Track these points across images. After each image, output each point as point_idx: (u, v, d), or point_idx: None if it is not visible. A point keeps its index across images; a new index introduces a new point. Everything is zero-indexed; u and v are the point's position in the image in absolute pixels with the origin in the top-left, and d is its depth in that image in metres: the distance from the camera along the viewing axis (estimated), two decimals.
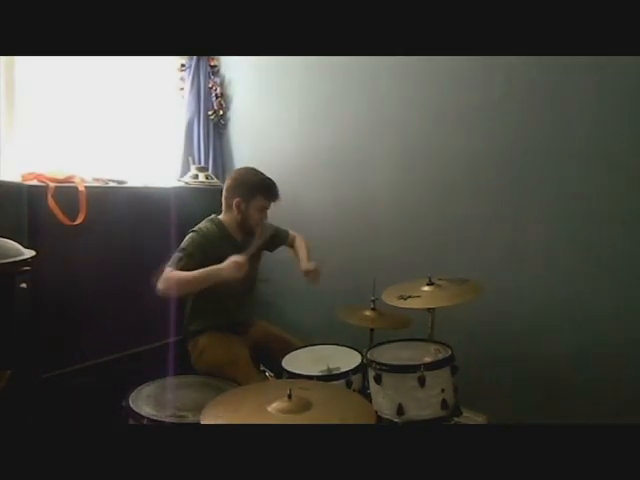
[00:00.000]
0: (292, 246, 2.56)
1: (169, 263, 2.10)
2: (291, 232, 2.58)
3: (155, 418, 1.66)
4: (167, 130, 3.33)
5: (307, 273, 2.36)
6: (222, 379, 2.01)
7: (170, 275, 2.01)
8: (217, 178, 3.26)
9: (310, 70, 3.02)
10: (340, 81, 2.90)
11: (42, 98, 2.66)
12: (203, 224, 2.26)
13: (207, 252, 2.12)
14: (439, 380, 1.78)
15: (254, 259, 2.40)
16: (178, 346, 2.48)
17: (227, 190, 2.28)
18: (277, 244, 2.53)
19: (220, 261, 2.06)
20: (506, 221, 2.38)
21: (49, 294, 2.20)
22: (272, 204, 2.29)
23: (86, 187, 2.32)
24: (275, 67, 3.20)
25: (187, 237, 2.20)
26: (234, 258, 2.01)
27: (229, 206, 2.26)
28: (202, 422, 1.36)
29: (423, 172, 2.63)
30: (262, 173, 2.28)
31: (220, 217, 2.30)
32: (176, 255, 2.13)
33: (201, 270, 2.01)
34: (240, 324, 2.34)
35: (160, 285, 2.00)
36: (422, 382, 1.74)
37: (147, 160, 3.18)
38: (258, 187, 2.22)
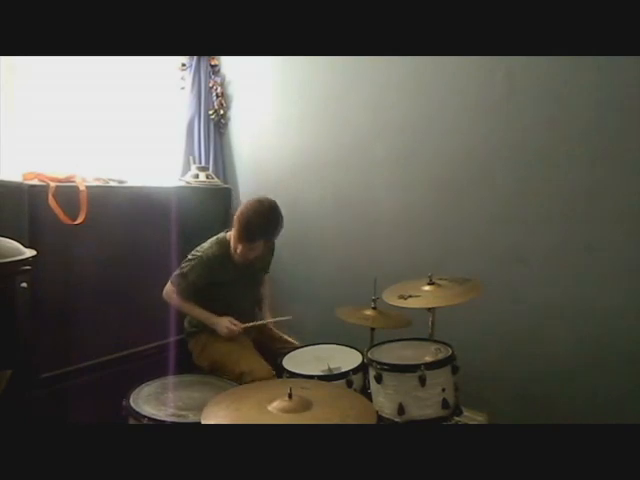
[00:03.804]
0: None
1: (172, 279, 2.28)
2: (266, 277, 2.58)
3: (155, 417, 1.66)
4: (168, 129, 3.33)
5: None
6: (222, 378, 2.02)
7: (173, 297, 2.28)
8: (217, 177, 3.26)
9: (310, 69, 3.01)
10: (341, 80, 2.90)
11: (43, 97, 2.66)
12: (209, 248, 2.26)
13: (210, 276, 2.23)
14: (440, 379, 1.78)
15: (256, 274, 2.42)
16: (178, 346, 2.48)
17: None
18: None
19: (223, 280, 2.24)
20: (506, 220, 2.38)
21: (49, 294, 2.20)
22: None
23: (87, 186, 2.31)
24: (275, 67, 3.19)
25: (191, 260, 2.24)
26: (231, 325, 2.20)
27: None
28: (203, 421, 1.36)
29: (423, 171, 2.62)
30: (261, 214, 2.12)
31: (228, 234, 2.30)
32: (178, 276, 2.25)
33: (199, 312, 2.27)
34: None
35: (164, 295, 2.31)
36: (423, 381, 1.74)
37: (148, 159, 3.18)
38: (237, 220, 2.14)
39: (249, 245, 2.16)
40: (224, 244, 2.27)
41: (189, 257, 2.26)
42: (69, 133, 2.75)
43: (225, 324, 2.20)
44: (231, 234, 2.24)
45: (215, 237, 2.32)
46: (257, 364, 2.12)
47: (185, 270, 2.23)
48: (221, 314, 2.25)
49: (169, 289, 2.29)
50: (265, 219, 2.14)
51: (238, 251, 2.19)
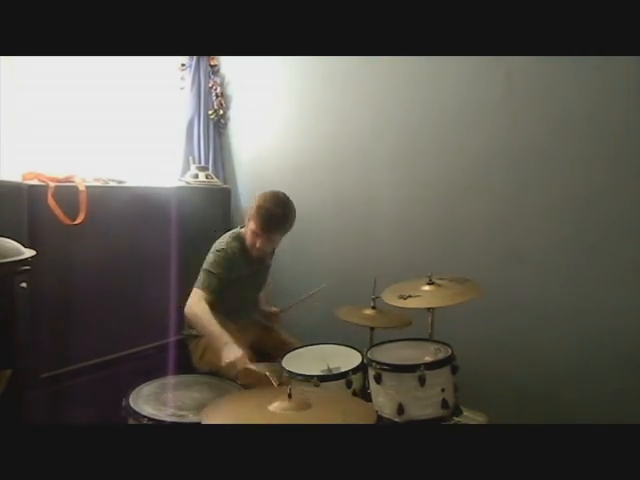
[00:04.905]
0: None
1: (199, 284, 2.15)
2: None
3: (155, 417, 1.66)
4: (167, 129, 3.33)
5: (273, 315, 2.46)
6: (222, 379, 2.01)
7: (200, 304, 2.05)
8: (217, 178, 3.26)
9: (310, 69, 3.01)
10: (340, 80, 2.90)
11: (43, 97, 2.66)
12: (229, 243, 2.26)
13: (230, 271, 2.20)
14: (439, 380, 1.78)
15: (263, 270, 2.42)
16: (178, 346, 2.48)
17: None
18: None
19: (238, 277, 2.21)
20: (507, 220, 2.38)
21: (49, 294, 2.20)
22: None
23: (86, 187, 2.31)
24: (275, 67, 3.19)
25: (215, 256, 2.21)
26: (238, 357, 1.88)
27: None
28: (203, 422, 1.36)
29: (423, 171, 2.62)
30: (279, 204, 2.18)
31: (244, 230, 2.31)
32: (206, 276, 2.17)
33: (214, 329, 1.98)
34: (242, 325, 2.34)
35: (187, 311, 2.08)
36: (422, 381, 1.74)
37: (147, 160, 3.18)
38: (257, 212, 2.18)
39: (271, 236, 2.19)
40: (241, 240, 2.28)
41: (211, 255, 2.22)
42: (69, 133, 2.75)
43: (230, 361, 1.88)
44: (246, 230, 2.24)
45: (231, 232, 2.32)
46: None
47: (212, 268, 2.17)
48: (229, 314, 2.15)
49: (195, 297, 2.09)
50: (285, 209, 2.21)
51: (258, 245, 2.20)
